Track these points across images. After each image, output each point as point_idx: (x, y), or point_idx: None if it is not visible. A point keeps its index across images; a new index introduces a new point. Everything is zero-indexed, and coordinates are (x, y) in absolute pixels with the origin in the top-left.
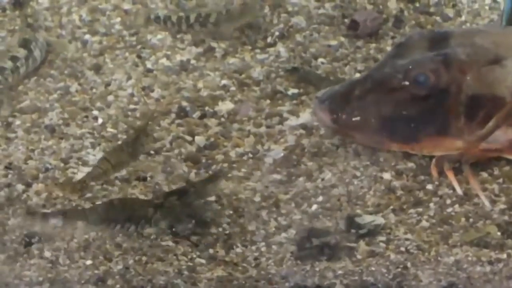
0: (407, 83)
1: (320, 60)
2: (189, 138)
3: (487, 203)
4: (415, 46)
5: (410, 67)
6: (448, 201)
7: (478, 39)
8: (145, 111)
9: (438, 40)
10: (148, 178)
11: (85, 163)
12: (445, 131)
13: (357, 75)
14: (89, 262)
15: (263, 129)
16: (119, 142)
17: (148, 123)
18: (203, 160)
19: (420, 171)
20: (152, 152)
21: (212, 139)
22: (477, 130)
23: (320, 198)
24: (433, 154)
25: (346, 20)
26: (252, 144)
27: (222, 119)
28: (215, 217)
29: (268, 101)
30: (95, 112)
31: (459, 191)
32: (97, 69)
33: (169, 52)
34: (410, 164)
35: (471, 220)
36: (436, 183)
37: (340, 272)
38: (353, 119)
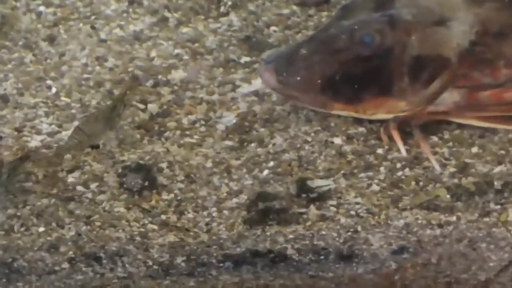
0: (352, 43)
1: (273, 28)
2: (142, 106)
3: (437, 167)
4: (361, 8)
5: (356, 27)
6: (398, 165)
7: (423, 0)
8: (122, 79)
9: (383, 2)
10: (101, 146)
11: (38, 132)
12: (388, 92)
13: None
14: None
15: (215, 97)
16: (94, 112)
17: (126, 93)
18: (156, 128)
19: (371, 135)
20: None
21: (165, 107)
22: (421, 92)
23: (271, 164)
24: (377, 116)
25: None
26: (205, 111)
27: (175, 87)
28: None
29: (221, 70)
30: (49, 82)
31: (403, 151)
32: (51, 40)
33: (122, 23)
34: (361, 129)
35: (421, 183)
36: (386, 147)
37: (291, 236)
38: (298, 79)
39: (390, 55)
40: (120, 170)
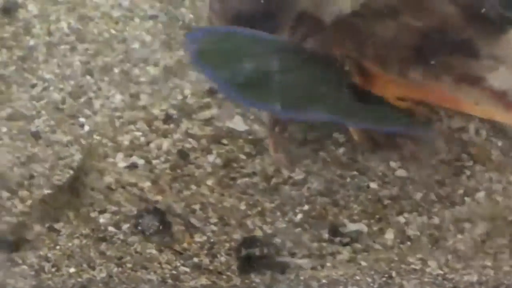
0: None
1: None
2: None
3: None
4: None
5: None
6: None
7: None
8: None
9: None
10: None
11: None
12: None
13: None
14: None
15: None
16: None
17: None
18: (188, 168)
19: (408, 180)
20: None
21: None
22: None
23: (306, 207)
24: None
25: None
26: None
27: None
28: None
29: None
30: (82, 120)
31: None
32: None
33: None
34: (399, 173)
35: None
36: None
37: (324, 281)
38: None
39: (285, 4)
40: (152, 211)
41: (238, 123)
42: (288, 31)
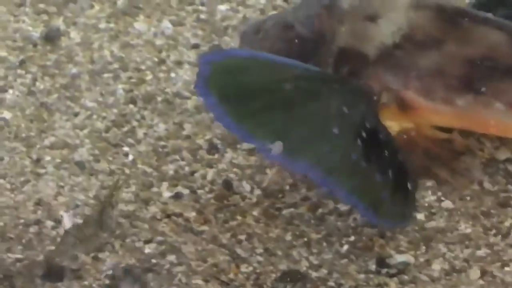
0: (297, 22)
1: None
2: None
3: None
4: None
5: (301, 8)
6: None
7: None
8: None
9: None
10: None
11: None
12: None
13: None
14: None
15: None
16: None
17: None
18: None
19: (455, 211)
20: None
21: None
22: None
23: (352, 238)
24: None
25: None
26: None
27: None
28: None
29: None
30: (126, 149)
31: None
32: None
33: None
34: (445, 204)
35: None
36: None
37: None
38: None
39: (322, 41)
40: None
41: None
42: (331, 69)
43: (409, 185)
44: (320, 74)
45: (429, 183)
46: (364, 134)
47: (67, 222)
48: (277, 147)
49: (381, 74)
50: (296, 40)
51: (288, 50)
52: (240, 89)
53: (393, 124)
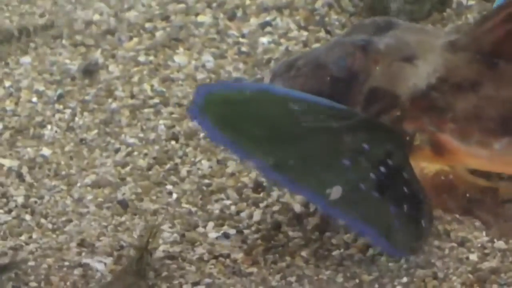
0: (331, 62)
1: None
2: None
3: None
4: (363, 30)
5: (335, 46)
6: None
7: (410, 34)
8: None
9: (383, 28)
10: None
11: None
12: None
13: None
14: None
15: None
16: None
17: None
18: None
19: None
20: None
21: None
22: None
23: (405, 279)
24: None
25: None
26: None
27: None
28: None
29: None
30: (169, 187)
31: None
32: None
33: None
34: (498, 245)
35: None
36: None
37: None
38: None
39: (355, 81)
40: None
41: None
42: (360, 108)
43: (423, 222)
44: (340, 111)
45: (478, 223)
46: (384, 170)
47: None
48: (335, 192)
49: (415, 116)
50: (328, 79)
51: (320, 88)
52: (236, 114)
53: (429, 166)
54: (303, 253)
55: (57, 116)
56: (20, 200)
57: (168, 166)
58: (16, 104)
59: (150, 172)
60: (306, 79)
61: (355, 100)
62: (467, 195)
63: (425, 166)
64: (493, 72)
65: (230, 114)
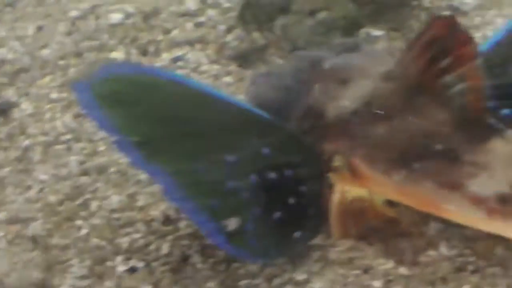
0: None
1: None
2: None
3: None
4: (334, 48)
5: (297, 59)
6: None
7: (360, 58)
8: None
9: (348, 49)
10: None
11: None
12: None
13: None
14: None
15: None
16: None
17: None
18: None
19: (413, 279)
20: None
21: None
22: None
23: None
24: None
25: None
26: None
27: None
28: None
29: None
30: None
31: None
32: None
33: None
34: (401, 271)
35: None
36: None
37: None
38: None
39: (302, 94)
40: None
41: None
42: (297, 122)
43: (296, 234)
44: (256, 117)
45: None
46: (273, 176)
47: None
48: (233, 222)
49: (335, 137)
50: (284, 88)
51: (277, 98)
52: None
53: (351, 190)
54: (211, 284)
55: None
56: None
57: (78, 201)
58: None
59: (60, 208)
60: (269, 87)
61: (294, 113)
62: (369, 223)
63: (347, 189)
64: (408, 104)
65: (116, 93)
